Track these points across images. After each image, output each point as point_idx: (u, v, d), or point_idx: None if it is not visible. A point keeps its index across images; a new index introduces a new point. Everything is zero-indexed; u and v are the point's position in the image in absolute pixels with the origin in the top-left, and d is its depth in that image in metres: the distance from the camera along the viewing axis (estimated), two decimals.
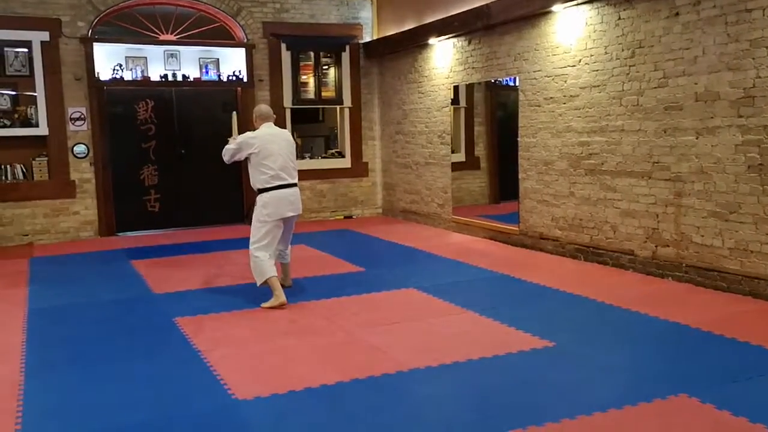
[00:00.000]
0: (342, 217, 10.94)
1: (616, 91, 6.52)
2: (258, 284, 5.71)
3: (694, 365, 4.05)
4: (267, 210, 5.68)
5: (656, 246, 6.21)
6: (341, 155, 11.11)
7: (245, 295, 5.98)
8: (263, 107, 6.06)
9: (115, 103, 9.67)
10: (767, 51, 5.16)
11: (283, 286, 5.81)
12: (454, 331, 4.85)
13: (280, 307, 5.53)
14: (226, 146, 5.88)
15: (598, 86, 6.72)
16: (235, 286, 6.39)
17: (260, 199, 5.72)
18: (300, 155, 10.11)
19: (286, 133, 6.01)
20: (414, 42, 9.61)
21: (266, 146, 5.68)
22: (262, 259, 5.64)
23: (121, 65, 9.58)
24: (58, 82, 9.15)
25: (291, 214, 5.80)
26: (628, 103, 6.40)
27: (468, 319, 5.12)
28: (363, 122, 11.04)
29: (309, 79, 10.73)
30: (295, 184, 5.85)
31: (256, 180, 5.73)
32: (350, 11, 10.75)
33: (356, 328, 4.95)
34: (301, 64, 10.64)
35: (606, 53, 6.61)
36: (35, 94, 9.10)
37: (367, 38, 10.84)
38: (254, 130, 5.86)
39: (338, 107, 11.04)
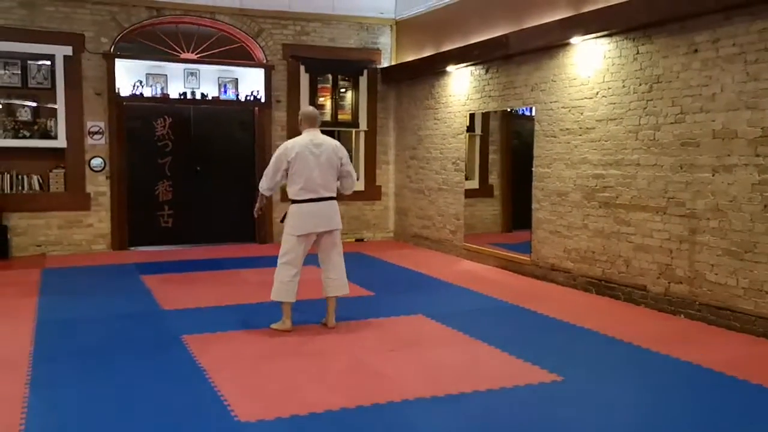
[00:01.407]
0: (353, 239, 10.93)
1: (633, 125, 6.50)
2: (271, 298, 5.56)
3: (705, 407, 3.98)
4: (292, 222, 5.46)
5: (669, 282, 6.14)
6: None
7: (254, 315, 5.96)
8: (309, 109, 5.74)
9: (133, 118, 9.76)
10: None
11: (324, 324, 5.60)
12: (461, 360, 4.81)
13: (285, 332, 5.47)
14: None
15: (615, 119, 6.71)
16: (245, 306, 6.37)
17: (289, 210, 5.51)
18: None
19: (332, 143, 5.57)
20: (432, 69, 9.66)
21: (302, 155, 5.36)
22: (282, 280, 5.45)
23: (141, 81, 9.70)
24: (79, 96, 9.26)
25: (321, 229, 5.46)
26: (645, 138, 6.38)
27: (476, 349, 5.07)
28: (378, 146, 11.06)
29: (326, 101, 10.80)
30: (330, 198, 5.52)
31: (289, 190, 5.47)
32: (370, 36, 10.84)
33: (363, 354, 4.91)
34: (319, 86, 10.72)
35: (623, 87, 6.61)
36: (56, 106, 9.21)
37: (385, 63, 10.92)
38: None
39: (354, 131, 11.09)
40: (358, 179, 10.86)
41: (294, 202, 5.48)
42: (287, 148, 5.46)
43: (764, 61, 5.28)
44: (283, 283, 5.46)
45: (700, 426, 3.65)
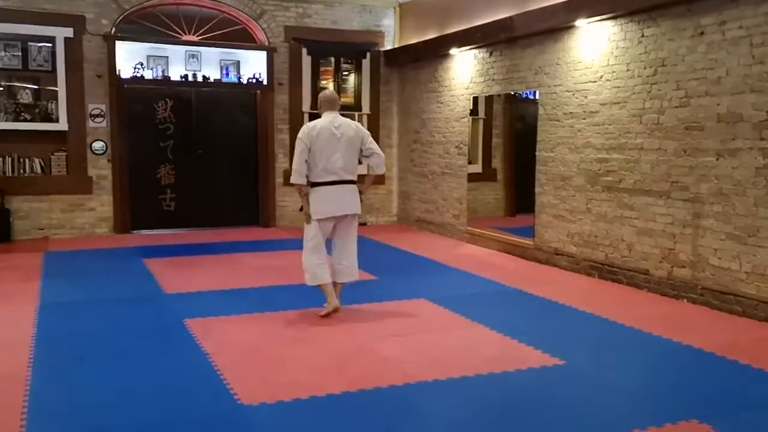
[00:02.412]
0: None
1: (637, 109, 6.46)
2: (308, 284, 5.55)
3: (707, 391, 3.98)
4: (312, 207, 5.42)
5: (672, 266, 6.13)
6: (358, 162, 11.07)
7: (257, 299, 5.97)
8: (327, 92, 5.73)
9: (134, 101, 9.73)
10: None
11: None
12: (463, 344, 4.81)
13: (334, 312, 5.45)
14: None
15: (619, 103, 6.66)
16: (248, 290, 6.38)
17: (309, 195, 5.44)
18: None
19: (352, 124, 5.54)
20: (435, 51, 9.60)
21: (324, 135, 5.33)
22: (312, 264, 5.44)
23: (142, 64, 9.65)
24: (80, 78, 9.23)
25: (340, 213, 5.45)
26: (649, 122, 6.34)
27: (478, 333, 5.08)
28: (381, 130, 11.02)
29: (329, 84, 10.73)
30: (348, 181, 5.47)
31: (310, 172, 5.40)
32: (373, 18, 10.76)
33: (366, 338, 4.92)
34: (322, 69, 10.66)
35: (628, 70, 6.55)
36: (56, 89, 9.18)
37: (388, 46, 10.85)
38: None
39: (356, 114, 11.03)
40: (361, 163, 10.94)
41: (314, 185, 5.43)
42: (309, 128, 5.43)
43: None
44: (315, 267, 5.46)
45: (701, 410, 3.65)
